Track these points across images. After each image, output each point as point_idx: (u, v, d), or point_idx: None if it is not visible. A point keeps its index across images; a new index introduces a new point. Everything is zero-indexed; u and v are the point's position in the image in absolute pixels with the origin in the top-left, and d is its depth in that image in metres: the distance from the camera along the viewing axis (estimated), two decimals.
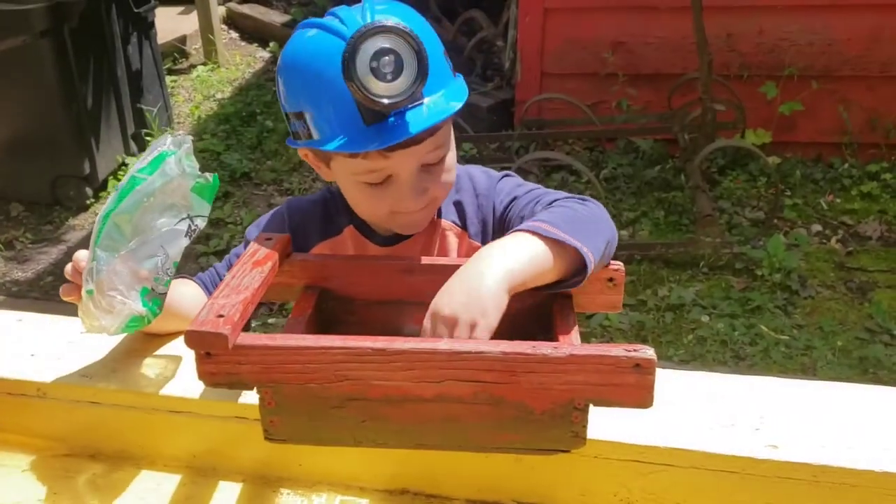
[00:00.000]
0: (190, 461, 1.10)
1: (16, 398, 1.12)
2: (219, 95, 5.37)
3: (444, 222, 1.28)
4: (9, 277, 3.71)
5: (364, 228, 1.27)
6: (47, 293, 3.54)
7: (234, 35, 6.34)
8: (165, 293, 1.05)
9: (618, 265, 1.11)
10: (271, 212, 1.33)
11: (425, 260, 1.16)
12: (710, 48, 3.70)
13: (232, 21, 6.43)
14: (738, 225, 3.79)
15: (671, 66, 4.28)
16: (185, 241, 1.04)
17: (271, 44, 5.97)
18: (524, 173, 3.06)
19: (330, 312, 1.16)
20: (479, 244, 1.25)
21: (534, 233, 1.02)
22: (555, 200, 1.18)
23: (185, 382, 1.09)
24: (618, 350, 0.89)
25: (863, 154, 4.20)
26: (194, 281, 1.28)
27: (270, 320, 3.24)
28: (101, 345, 1.16)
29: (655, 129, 4.20)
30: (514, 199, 1.25)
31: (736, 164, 4.21)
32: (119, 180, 4.31)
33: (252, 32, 6.31)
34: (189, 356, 1.15)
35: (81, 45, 3.98)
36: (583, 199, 1.16)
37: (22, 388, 1.12)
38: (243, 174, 4.41)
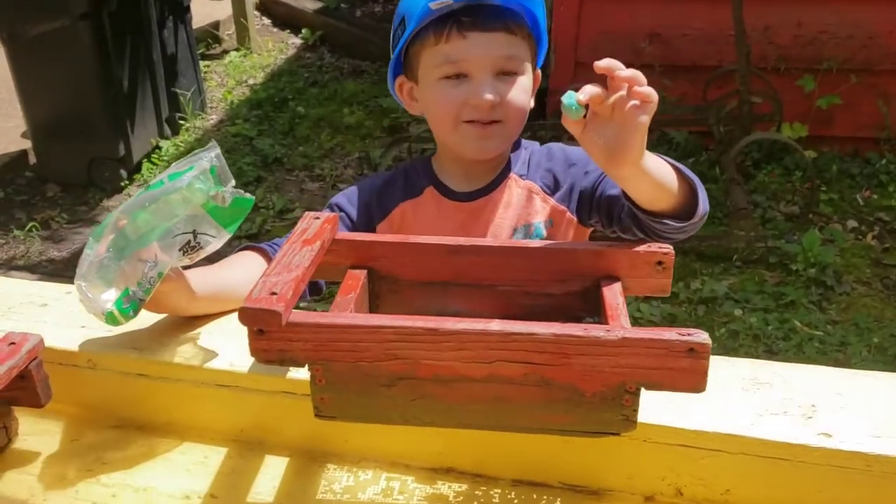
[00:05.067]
0: (237, 435, 1.11)
1: (66, 368, 1.13)
2: (251, 81, 5.40)
3: (532, 184, 1.33)
4: (45, 256, 3.76)
5: (443, 188, 1.35)
6: None
7: (267, 21, 6.37)
8: (144, 300, 1.02)
9: (667, 248, 1.10)
10: (355, 184, 1.42)
11: (471, 241, 1.16)
12: (747, 40, 3.66)
13: (265, 7, 6.45)
14: (772, 219, 3.75)
15: (707, 57, 4.24)
16: (179, 255, 1.01)
17: (303, 31, 5.99)
18: None
19: (375, 292, 1.17)
20: (565, 208, 1.31)
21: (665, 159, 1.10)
22: None
23: (233, 357, 1.10)
24: (671, 334, 0.88)
25: None
26: (264, 248, 1.31)
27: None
28: (152, 319, 1.18)
29: (690, 120, 4.16)
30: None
31: (771, 158, 4.16)
32: (153, 163, 4.36)
33: (284, 19, 6.33)
34: (238, 331, 1.16)
35: (119, 28, 4.01)
36: None
37: (73, 358, 1.13)
38: (275, 160, 4.43)
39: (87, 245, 1.02)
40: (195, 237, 1.02)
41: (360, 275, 1.14)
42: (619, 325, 0.99)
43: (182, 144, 4.53)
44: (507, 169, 1.35)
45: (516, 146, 1.38)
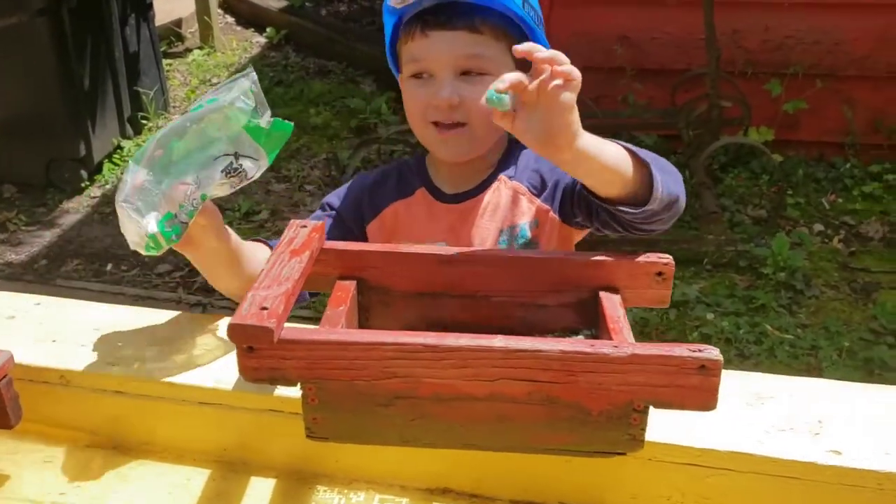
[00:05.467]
0: (220, 455, 1.06)
1: (37, 385, 1.07)
2: (215, 80, 5.29)
3: (518, 185, 1.30)
4: (2, 260, 3.64)
5: (434, 190, 1.33)
6: (42, 276, 3.48)
7: (230, 20, 6.26)
8: (187, 223, 1.00)
9: (667, 258, 1.08)
10: (348, 182, 1.40)
11: (465, 250, 1.12)
12: (717, 44, 3.67)
13: (228, 5, 6.34)
14: (740, 223, 3.77)
15: (676, 61, 4.25)
16: (221, 178, 0.99)
17: (268, 29, 5.90)
18: None
19: (365, 304, 1.12)
20: (549, 207, 1.28)
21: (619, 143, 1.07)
22: None
23: (217, 372, 1.05)
24: (682, 350, 0.85)
25: (865, 154, 4.19)
26: (271, 244, 1.27)
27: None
28: (127, 331, 1.12)
29: (659, 124, 4.17)
30: None
31: (738, 162, 4.19)
32: (114, 164, 4.25)
33: (248, 17, 6.23)
34: (221, 345, 1.11)
35: (79, 24, 3.90)
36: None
37: (44, 375, 1.07)
38: None
39: (126, 170, 1.01)
40: (237, 159, 0.99)
41: (350, 286, 1.10)
42: (623, 339, 0.96)
43: (144, 144, 4.42)
44: (497, 170, 1.33)
45: (510, 146, 1.34)
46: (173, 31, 5.78)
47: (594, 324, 1.10)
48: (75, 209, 3.99)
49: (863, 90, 4.14)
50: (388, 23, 1.29)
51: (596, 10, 4.29)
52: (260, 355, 0.88)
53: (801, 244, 3.56)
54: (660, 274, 1.07)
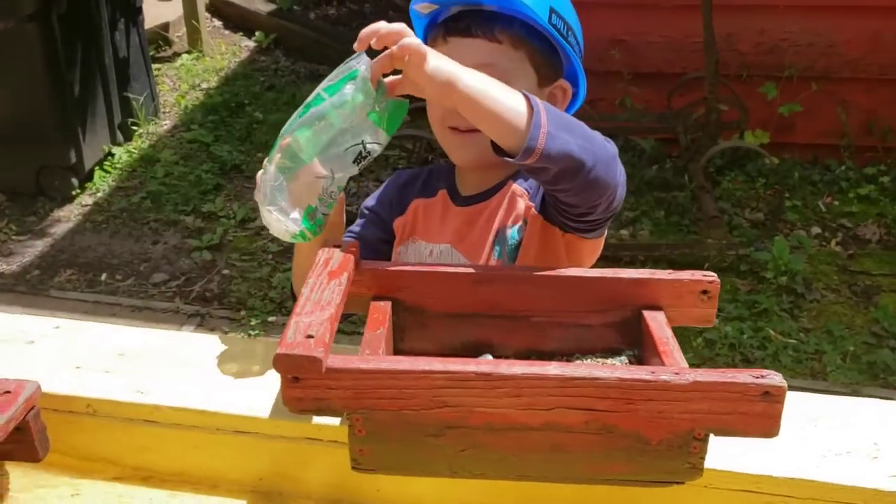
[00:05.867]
0: (256, 485, 1.02)
1: (62, 415, 1.03)
2: (204, 85, 5.23)
3: (517, 187, 1.29)
4: None
5: (453, 192, 1.35)
6: (34, 287, 3.42)
7: (218, 23, 6.19)
8: (328, 214, 1.06)
9: (712, 276, 1.05)
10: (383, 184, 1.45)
11: (502, 270, 1.10)
12: (715, 47, 3.67)
13: (215, 9, 6.27)
14: (738, 226, 3.76)
15: (671, 65, 4.24)
16: (354, 168, 1.04)
17: (257, 33, 5.83)
18: None
19: (400, 325, 1.09)
20: (532, 204, 1.27)
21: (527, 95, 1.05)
22: None
23: (252, 398, 1.01)
24: (745, 376, 0.83)
25: (860, 157, 4.20)
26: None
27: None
28: (155, 357, 1.08)
29: (656, 128, 4.16)
30: None
31: (734, 165, 4.18)
32: (105, 171, 4.19)
33: (236, 21, 6.16)
34: (254, 368, 1.07)
35: (69, 30, 3.83)
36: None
37: (70, 404, 1.03)
38: (234, 166, 4.29)
39: (262, 170, 1.04)
40: (364, 147, 1.03)
41: (386, 307, 1.06)
42: (675, 362, 0.93)
43: (135, 151, 4.36)
44: (512, 176, 1.31)
45: None
46: (161, 36, 5.71)
47: (636, 344, 1.07)
48: (67, 218, 3.92)
49: (856, 92, 4.14)
50: (418, 27, 1.31)
51: (590, 13, 4.25)
52: (305, 385, 0.85)
53: (800, 247, 3.56)
54: (705, 292, 1.05)
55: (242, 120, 4.72)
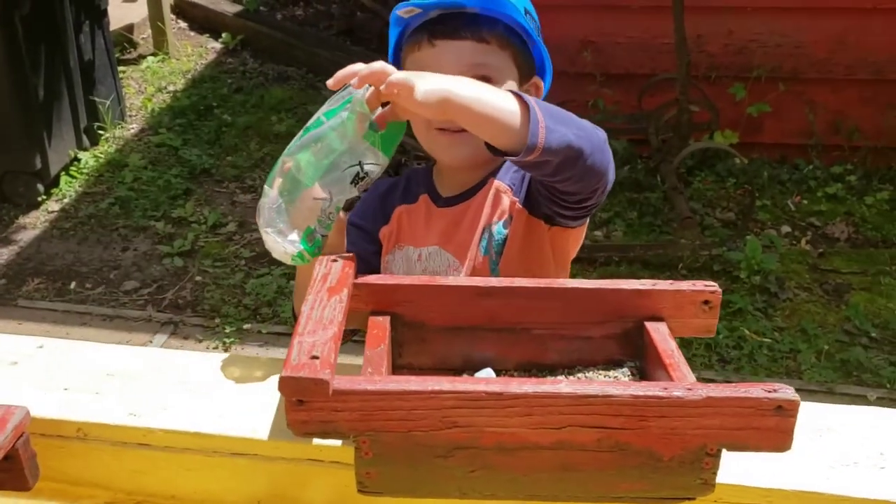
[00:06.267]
0: None
1: (51, 440, 1.00)
2: (171, 88, 5.15)
3: (500, 184, 1.31)
4: None
5: (434, 195, 1.36)
6: (1, 297, 3.33)
7: (183, 25, 6.09)
8: (326, 236, 1.07)
9: (713, 286, 1.05)
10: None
11: (502, 282, 1.08)
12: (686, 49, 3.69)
13: (180, 10, 6.18)
14: (710, 226, 3.79)
15: (640, 66, 4.26)
16: (353, 189, 1.05)
17: (224, 35, 5.76)
18: None
19: (398, 340, 1.07)
20: (517, 199, 1.29)
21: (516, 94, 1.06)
22: None
23: (250, 419, 0.99)
24: (757, 391, 0.82)
25: (826, 156, 4.25)
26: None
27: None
28: (145, 377, 1.05)
29: (627, 129, 4.17)
30: None
31: (703, 165, 4.22)
32: (72, 176, 4.10)
33: (202, 23, 6.07)
34: (252, 390, 1.04)
35: (33, 33, 3.75)
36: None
37: (59, 428, 1.00)
38: (203, 170, 4.23)
39: (262, 194, 1.05)
40: (362, 168, 1.04)
41: (385, 322, 1.04)
42: (683, 376, 0.93)
43: (102, 156, 4.28)
44: (492, 174, 1.33)
45: None
46: (125, 38, 5.61)
47: (638, 355, 1.06)
48: (32, 225, 3.83)
49: (823, 92, 4.20)
50: (393, 34, 1.32)
51: (559, 15, 4.27)
52: (311, 408, 0.83)
53: (771, 247, 3.60)
54: (706, 302, 1.04)
55: (211, 123, 4.66)
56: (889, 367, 2.98)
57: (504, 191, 1.30)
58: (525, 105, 1.03)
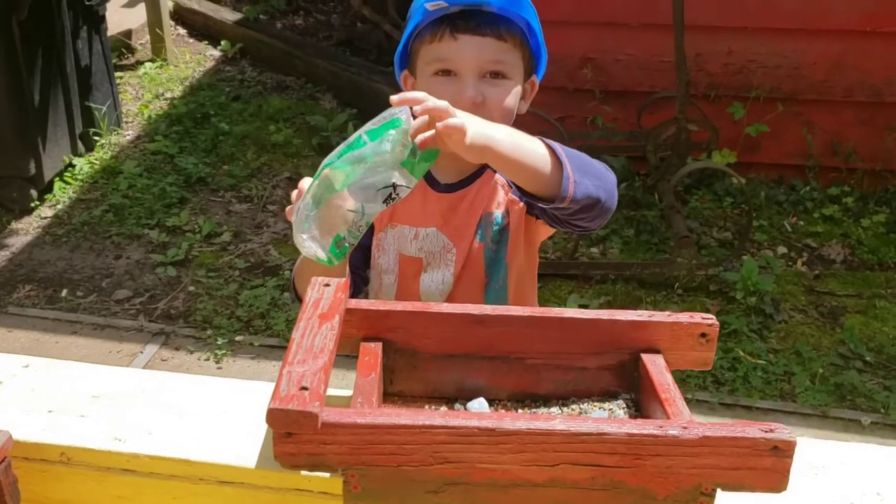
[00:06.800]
0: None
1: (34, 464, 0.98)
2: (168, 95, 5.14)
3: (499, 177, 1.40)
4: None
5: (430, 179, 1.41)
6: None
7: (182, 31, 6.09)
8: (353, 245, 1.13)
9: (711, 319, 1.04)
10: None
11: (496, 310, 1.06)
12: (686, 67, 3.69)
13: (180, 17, 6.17)
14: (706, 245, 3.79)
15: (639, 83, 4.26)
16: (383, 206, 1.11)
17: (223, 42, 5.75)
18: None
19: (390, 367, 1.06)
20: (517, 198, 1.39)
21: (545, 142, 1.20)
22: None
23: (236, 447, 0.97)
24: (754, 431, 0.81)
25: (824, 177, 4.25)
26: None
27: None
28: (132, 400, 1.03)
29: (625, 147, 4.17)
30: None
31: (700, 184, 4.21)
32: (66, 182, 4.08)
33: (201, 30, 6.07)
34: (241, 417, 1.03)
35: (30, 38, 3.73)
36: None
37: (42, 452, 0.98)
38: (199, 179, 4.21)
39: (300, 198, 1.10)
40: (395, 189, 1.10)
41: (377, 349, 1.03)
42: (679, 412, 0.91)
43: (97, 162, 4.26)
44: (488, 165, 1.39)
45: None
46: (123, 43, 5.60)
47: (633, 387, 1.05)
48: (25, 230, 3.80)
49: (821, 114, 4.20)
50: (410, 25, 1.38)
51: (559, 31, 4.27)
52: (299, 440, 0.81)
53: (767, 268, 3.59)
54: (703, 335, 1.03)
55: (208, 131, 4.64)
56: (883, 392, 2.97)
57: (502, 185, 1.41)
58: (556, 158, 1.16)
